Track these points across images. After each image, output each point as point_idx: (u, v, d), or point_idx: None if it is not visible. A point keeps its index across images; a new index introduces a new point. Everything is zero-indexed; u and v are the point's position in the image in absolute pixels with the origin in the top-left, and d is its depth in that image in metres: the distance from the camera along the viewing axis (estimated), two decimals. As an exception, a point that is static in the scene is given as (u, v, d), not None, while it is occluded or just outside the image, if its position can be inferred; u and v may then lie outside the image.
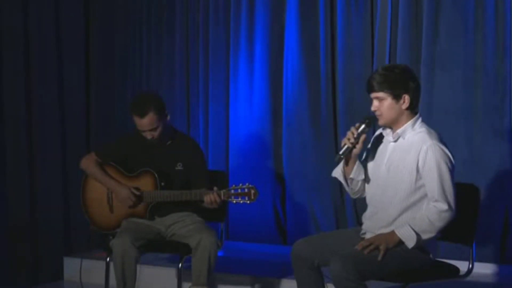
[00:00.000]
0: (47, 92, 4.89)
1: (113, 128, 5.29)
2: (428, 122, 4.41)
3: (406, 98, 3.23)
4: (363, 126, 3.27)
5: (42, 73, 4.85)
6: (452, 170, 3.19)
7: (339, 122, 4.95)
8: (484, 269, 4.35)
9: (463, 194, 3.39)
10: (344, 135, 4.84)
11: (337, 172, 3.45)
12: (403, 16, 4.62)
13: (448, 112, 4.51)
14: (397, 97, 3.22)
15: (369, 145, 3.47)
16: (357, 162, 3.36)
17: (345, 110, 4.88)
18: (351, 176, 3.37)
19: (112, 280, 3.90)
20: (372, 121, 3.29)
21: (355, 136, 3.25)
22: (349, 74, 4.84)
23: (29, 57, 4.77)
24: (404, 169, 3.23)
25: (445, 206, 3.15)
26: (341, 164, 3.41)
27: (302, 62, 4.99)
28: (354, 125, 3.30)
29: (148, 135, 3.92)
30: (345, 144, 3.27)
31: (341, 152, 3.27)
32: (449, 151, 3.22)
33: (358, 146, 3.27)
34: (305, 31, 4.98)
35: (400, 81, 3.23)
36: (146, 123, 3.88)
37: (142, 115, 3.87)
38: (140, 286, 4.32)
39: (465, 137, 4.47)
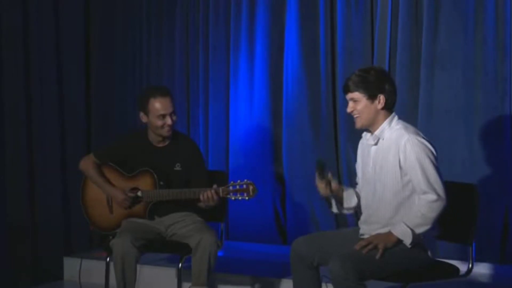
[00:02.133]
0: (47, 92, 4.88)
1: (113, 128, 5.29)
2: (428, 122, 4.47)
3: (382, 98, 3.26)
4: (319, 171, 3.41)
5: (42, 73, 4.85)
6: (434, 160, 3.20)
7: (339, 122, 4.95)
8: (484, 269, 4.36)
9: (463, 194, 3.41)
10: (344, 135, 4.91)
11: (335, 208, 3.56)
12: (403, 16, 4.62)
13: (448, 112, 4.51)
14: (372, 97, 3.26)
15: (357, 154, 3.51)
16: (344, 193, 3.49)
17: (345, 110, 4.84)
18: (345, 206, 3.50)
19: (112, 280, 3.90)
20: (321, 163, 3.43)
21: (324, 184, 3.41)
22: (349, 74, 4.82)
23: (29, 57, 4.76)
24: (388, 168, 3.25)
25: (434, 197, 3.16)
26: (333, 202, 3.53)
27: (302, 62, 4.99)
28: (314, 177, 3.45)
29: (169, 120, 3.91)
30: (324, 196, 3.45)
31: (331, 207, 3.51)
32: (429, 142, 3.23)
33: (334, 186, 3.43)
34: (305, 31, 4.98)
35: (375, 82, 3.27)
36: (169, 103, 3.90)
37: (165, 94, 3.92)
38: (140, 286, 4.32)
39: (465, 137, 4.47)
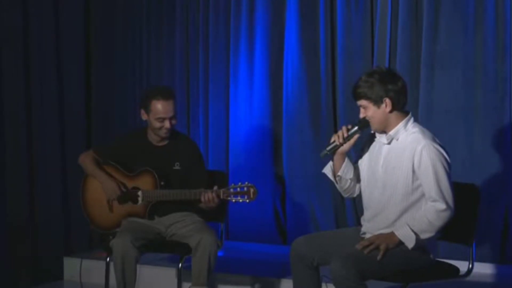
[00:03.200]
0: (47, 92, 4.88)
1: (113, 128, 5.29)
2: (428, 122, 4.46)
3: (387, 101, 3.23)
4: (355, 128, 3.30)
5: (42, 72, 4.85)
6: (448, 169, 3.19)
7: (339, 122, 4.95)
8: (484, 269, 4.35)
9: (463, 194, 3.40)
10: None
11: (327, 169, 3.48)
12: (403, 16, 4.62)
13: (448, 112, 4.51)
14: (377, 102, 3.23)
15: (363, 147, 3.48)
16: (346, 160, 3.39)
17: (345, 110, 4.88)
18: (339, 173, 3.40)
19: (112, 280, 3.90)
20: (365, 125, 3.31)
21: (345, 136, 3.29)
22: (349, 74, 4.84)
23: (29, 56, 4.76)
24: (400, 171, 3.23)
25: (443, 206, 3.15)
26: (331, 162, 3.44)
27: (302, 62, 4.99)
28: (347, 124, 3.35)
29: (167, 124, 3.91)
30: (334, 141, 3.31)
31: (328, 148, 3.32)
32: (444, 150, 3.22)
33: (347, 145, 3.31)
34: (305, 31, 4.98)
35: (377, 87, 3.22)
36: (171, 107, 3.90)
37: (168, 97, 3.90)
38: (140, 286, 4.32)
39: (465, 137, 4.47)
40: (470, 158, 4.45)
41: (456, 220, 3.28)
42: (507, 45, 4.38)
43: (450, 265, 3.41)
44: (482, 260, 4.32)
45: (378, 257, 3.11)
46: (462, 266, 3.41)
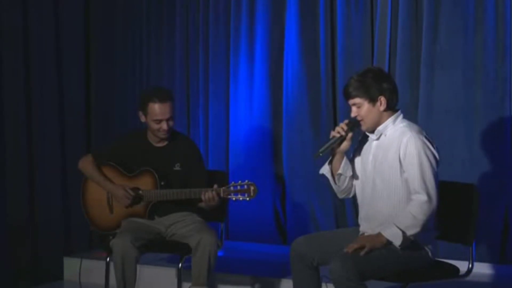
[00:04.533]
0: (47, 92, 4.89)
1: (113, 128, 5.29)
2: (428, 122, 4.47)
3: (382, 99, 3.26)
4: (348, 123, 3.32)
5: (42, 73, 4.85)
6: (433, 163, 3.19)
7: (339, 122, 4.92)
8: (484, 269, 4.36)
9: (463, 194, 3.41)
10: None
11: (325, 169, 3.47)
12: (403, 16, 4.62)
13: (448, 112, 4.51)
14: (373, 100, 3.26)
15: (356, 146, 3.49)
16: (345, 158, 3.39)
17: (345, 110, 4.86)
18: (339, 171, 3.39)
19: (112, 280, 3.90)
20: (356, 124, 3.33)
21: (345, 129, 3.30)
22: (349, 74, 4.80)
23: (29, 57, 4.77)
24: (388, 165, 3.25)
25: (424, 197, 3.15)
26: (327, 162, 3.44)
27: (302, 62, 5.00)
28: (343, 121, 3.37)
29: (164, 125, 3.91)
30: (333, 137, 3.32)
31: (329, 142, 3.32)
32: (432, 144, 3.23)
33: (346, 143, 3.33)
34: (305, 31, 4.98)
35: (373, 84, 3.26)
36: (167, 109, 3.89)
37: (164, 99, 3.89)
38: (140, 286, 4.32)
39: (465, 137, 4.47)
40: (470, 158, 4.45)
41: (456, 220, 3.28)
42: (507, 45, 4.38)
43: (450, 265, 3.42)
44: (482, 260, 4.33)
45: (361, 253, 3.10)
46: (462, 266, 3.41)
